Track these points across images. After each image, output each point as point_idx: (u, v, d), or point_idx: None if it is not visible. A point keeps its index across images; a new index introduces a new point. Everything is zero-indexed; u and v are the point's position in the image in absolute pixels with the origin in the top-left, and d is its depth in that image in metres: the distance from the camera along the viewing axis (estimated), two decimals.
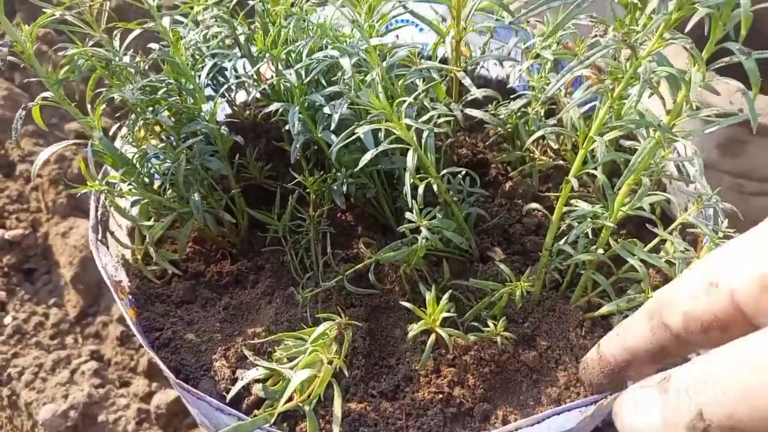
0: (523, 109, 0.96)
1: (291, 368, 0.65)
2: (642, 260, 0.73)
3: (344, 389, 0.76)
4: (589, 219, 0.75)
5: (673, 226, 0.77)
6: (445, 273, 0.83)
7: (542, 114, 0.95)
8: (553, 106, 1.01)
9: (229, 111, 1.08)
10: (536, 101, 0.96)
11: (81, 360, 1.30)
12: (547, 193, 0.96)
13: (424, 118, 0.73)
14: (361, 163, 0.75)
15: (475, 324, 0.79)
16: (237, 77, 0.96)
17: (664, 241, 0.78)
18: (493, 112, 0.97)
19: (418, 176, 0.77)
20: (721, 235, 0.67)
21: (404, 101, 0.71)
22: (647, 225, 0.87)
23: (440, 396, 0.75)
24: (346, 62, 0.78)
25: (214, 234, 0.90)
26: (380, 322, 0.86)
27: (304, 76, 0.83)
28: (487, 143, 1.04)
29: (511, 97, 0.98)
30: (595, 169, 0.71)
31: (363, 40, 0.80)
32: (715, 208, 0.73)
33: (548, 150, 0.97)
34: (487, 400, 0.75)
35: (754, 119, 0.61)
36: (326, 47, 0.85)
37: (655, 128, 0.66)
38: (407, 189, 0.75)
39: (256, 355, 0.78)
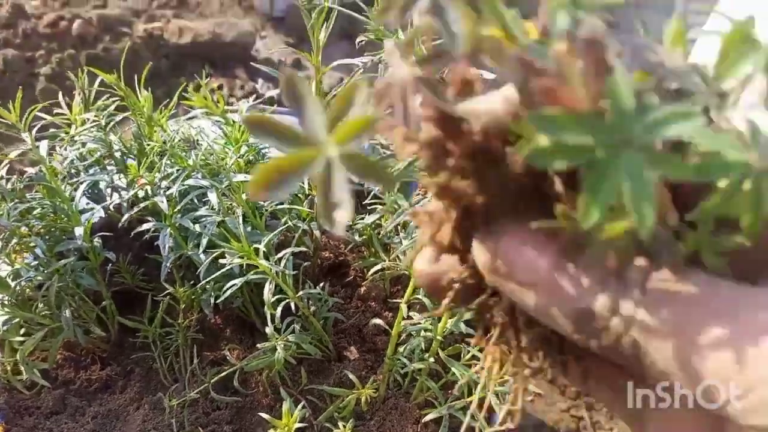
0: (377, 222, 1.10)
1: None
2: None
3: None
4: (420, 334, 0.89)
5: None
6: (302, 378, 0.94)
7: (392, 228, 1.10)
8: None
9: (103, 214, 1.13)
10: (389, 215, 1.11)
11: None
12: (396, 296, 1.10)
13: (279, 255, 0.85)
14: (228, 293, 0.85)
15: (328, 425, 0.91)
16: (113, 187, 1.03)
17: None
18: (350, 224, 1.11)
19: (277, 297, 0.88)
20: None
21: (264, 239, 0.82)
22: None
23: None
24: (213, 196, 0.88)
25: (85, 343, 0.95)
26: (244, 422, 0.94)
27: (177, 200, 0.92)
28: (348, 247, 1.17)
29: (368, 208, 1.13)
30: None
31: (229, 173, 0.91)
32: None
33: (398, 257, 1.11)
34: None
35: None
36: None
37: None
38: (267, 311, 0.86)
39: None
